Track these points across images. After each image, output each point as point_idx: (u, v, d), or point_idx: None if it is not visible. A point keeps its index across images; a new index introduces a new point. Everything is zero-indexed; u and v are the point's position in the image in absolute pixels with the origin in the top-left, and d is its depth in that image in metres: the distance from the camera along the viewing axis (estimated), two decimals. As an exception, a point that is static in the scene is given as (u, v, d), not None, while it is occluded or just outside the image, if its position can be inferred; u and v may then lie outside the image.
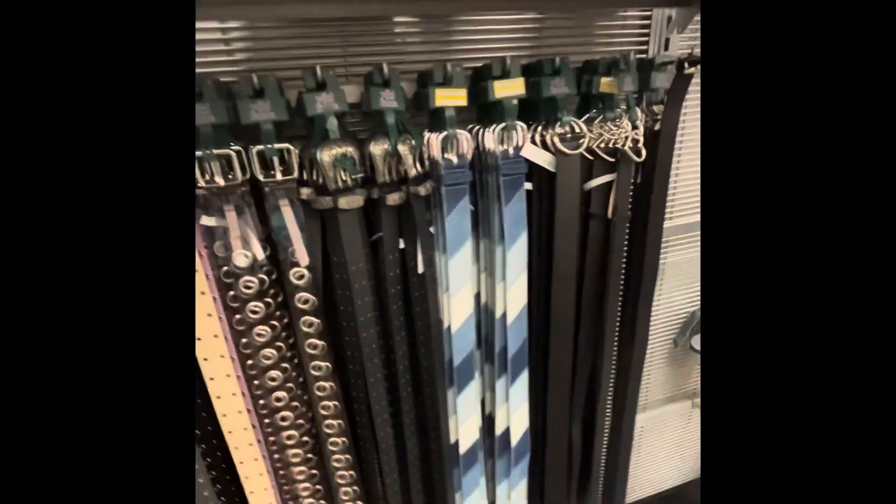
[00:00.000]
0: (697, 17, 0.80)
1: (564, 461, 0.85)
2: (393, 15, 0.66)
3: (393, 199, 0.60)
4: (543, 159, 0.63)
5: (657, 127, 0.72)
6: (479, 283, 0.77)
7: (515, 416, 0.80)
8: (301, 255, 0.59)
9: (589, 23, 0.76)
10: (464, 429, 0.78)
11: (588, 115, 0.69)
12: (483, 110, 0.66)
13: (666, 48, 0.80)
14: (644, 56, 0.79)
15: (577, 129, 0.63)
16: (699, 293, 1.06)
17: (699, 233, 1.00)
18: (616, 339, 0.93)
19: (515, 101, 0.62)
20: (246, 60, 0.62)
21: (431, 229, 0.64)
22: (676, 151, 0.91)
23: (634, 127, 0.65)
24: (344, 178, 0.56)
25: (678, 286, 1.04)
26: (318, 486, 0.76)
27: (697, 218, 0.97)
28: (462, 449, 0.80)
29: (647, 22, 0.78)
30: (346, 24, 0.65)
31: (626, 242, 0.86)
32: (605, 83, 0.67)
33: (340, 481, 0.75)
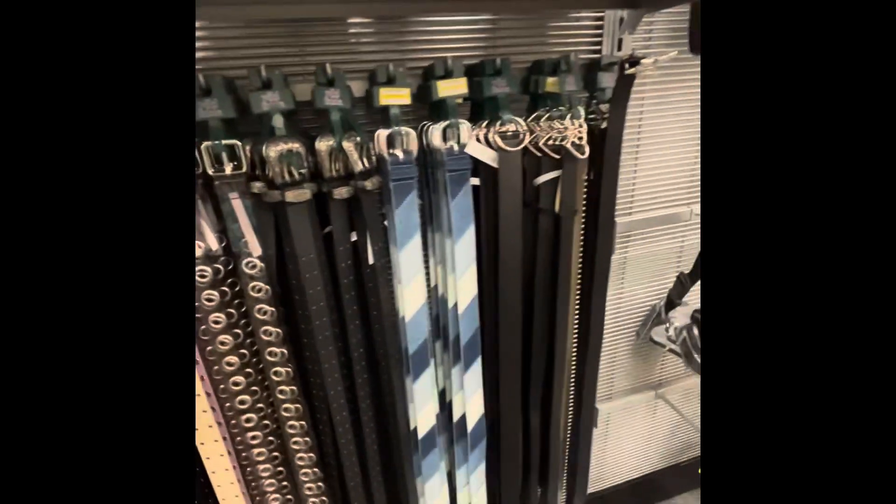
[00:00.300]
0: (647, 18, 0.83)
1: (519, 446, 0.89)
2: (349, 16, 0.69)
3: (340, 192, 0.63)
4: (487, 156, 0.66)
5: (604, 125, 0.75)
6: (436, 274, 0.81)
7: (471, 403, 0.83)
8: (253, 245, 0.62)
9: (543, 24, 0.79)
10: (421, 415, 0.81)
11: (536, 113, 0.72)
12: (432, 109, 0.69)
13: (619, 48, 0.83)
14: (597, 56, 0.82)
15: (518, 128, 0.66)
16: (661, 287, 1.09)
17: (659, 227, 1.03)
18: (576, 330, 0.96)
19: (460, 100, 0.65)
20: (203, 59, 0.65)
21: (387, 223, 0.68)
22: (636, 149, 0.94)
23: (577, 125, 0.68)
24: (291, 173, 0.59)
25: (640, 280, 1.07)
26: (283, 483, 0.80)
27: (657, 213, 0.99)
28: (420, 434, 0.83)
29: (600, 23, 0.81)
30: (304, 24, 0.68)
31: (582, 237, 0.89)
32: (550, 83, 0.69)
33: (300, 463, 0.78)
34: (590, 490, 1.32)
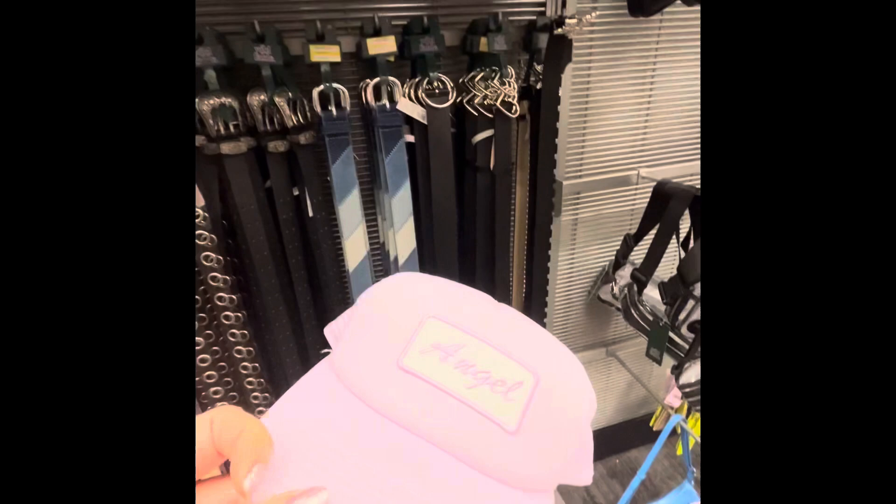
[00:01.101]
0: (589, -20, 0.84)
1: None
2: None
3: (276, 146, 0.66)
4: (417, 113, 0.69)
5: (539, 86, 0.77)
6: (381, 229, 0.85)
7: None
8: (196, 196, 0.67)
9: (486, -16, 0.80)
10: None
11: (471, 74, 0.74)
12: (368, 67, 0.72)
13: (563, 7, 0.84)
14: (540, 17, 0.84)
15: (445, 86, 0.69)
16: (613, 249, 1.14)
17: (608, 190, 1.06)
18: (524, 285, 1.01)
19: (392, 59, 0.67)
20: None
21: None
22: (584, 112, 0.96)
23: (507, 85, 0.71)
24: (227, 125, 0.63)
25: (592, 241, 1.11)
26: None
27: (606, 176, 1.03)
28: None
29: (543, -17, 0.82)
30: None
31: (529, 196, 0.93)
32: (483, 43, 0.72)
33: (255, 402, 0.85)
34: (548, 441, 1.40)
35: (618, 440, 1.50)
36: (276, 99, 0.63)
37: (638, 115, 1.00)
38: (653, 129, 1.03)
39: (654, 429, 1.29)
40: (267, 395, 0.86)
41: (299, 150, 0.68)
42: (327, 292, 0.81)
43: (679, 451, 1.44)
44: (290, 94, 0.64)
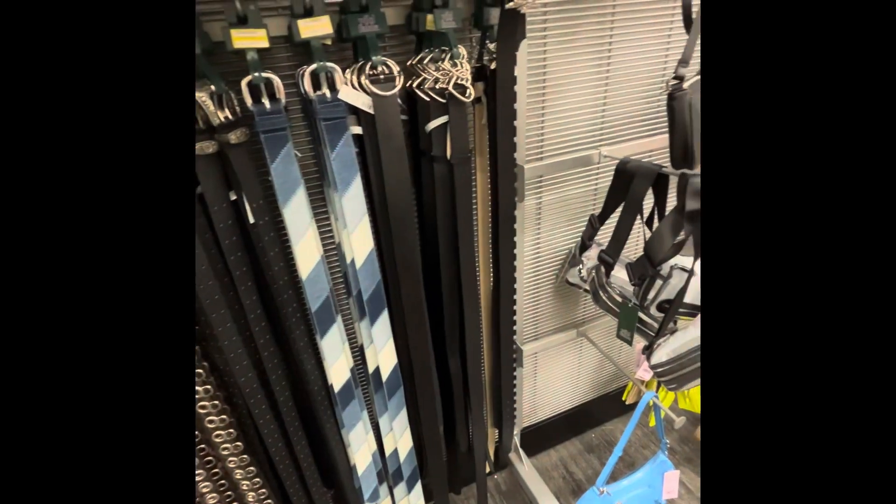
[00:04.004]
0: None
1: (434, 391, 0.92)
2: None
3: (202, 148, 0.59)
4: (362, 101, 0.62)
5: (493, 66, 0.72)
6: (336, 230, 0.79)
7: (382, 354, 0.84)
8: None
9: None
10: (333, 370, 0.82)
11: (420, 55, 0.68)
12: (305, 51, 0.64)
13: (514, -19, 0.78)
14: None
15: (391, 70, 0.63)
16: (578, 231, 1.12)
17: (570, 172, 1.03)
18: (492, 273, 0.98)
19: (329, 42, 0.60)
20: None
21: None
22: (542, 93, 0.92)
23: (459, 66, 0.65)
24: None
25: (557, 224, 1.09)
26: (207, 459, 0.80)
27: (567, 157, 0.99)
28: (336, 388, 0.84)
29: (492, -47, 0.76)
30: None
31: (490, 182, 0.89)
32: (430, 21, 0.66)
33: (217, 440, 0.78)
34: (526, 423, 1.40)
35: (593, 415, 1.53)
36: (197, 94, 0.55)
37: (597, 91, 0.97)
38: (612, 106, 1.00)
39: (627, 402, 1.31)
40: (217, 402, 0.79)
41: (230, 151, 0.60)
42: (280, 301, 0.74)
43: (652, 423, 1.48)
44: (212, 86, 0.56)
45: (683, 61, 0.67)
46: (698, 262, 0.80)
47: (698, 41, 0.70)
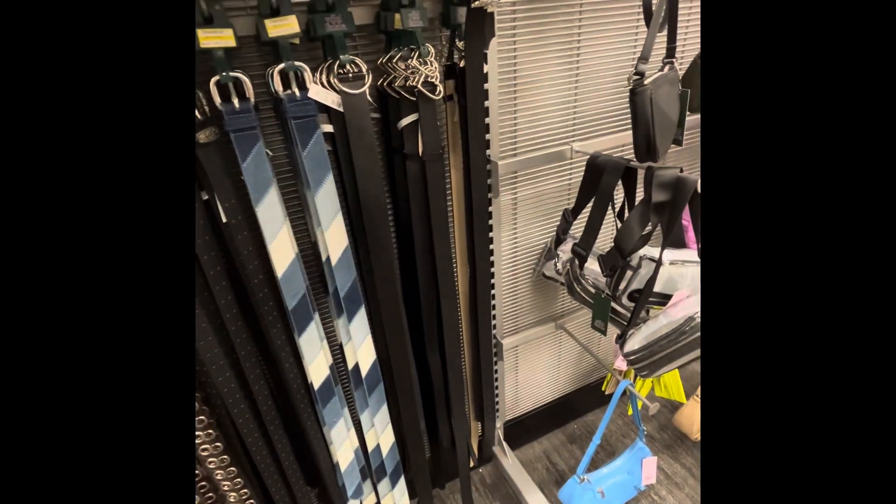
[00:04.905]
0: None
1: (413, 386, 0.93)
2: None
3: (171, 148, 0.59)
4: (331, 100, 0.63)
5: (462, 64, 0.73)
6: (311, 228, 0.79)
7: (361, 351, 0.85)
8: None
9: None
10: (313, 368, 0.83)
11: (389, 53, 0.69)
12: (273, 51, 0.65)
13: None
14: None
15: (360, 69, 0.64)
16: (554, 225, 1.14)
17: (544, 167, 1.06)
18: (469, 268, 0.99)
19: (297, 41, 0.61)
20: None
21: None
22: (513, 90, 0.94)
23: (427, 65, 0.66)
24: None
25: (533, 219, 1.11)
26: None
27: (541, 153, 1.02)
28: (316, 386, 0.85)
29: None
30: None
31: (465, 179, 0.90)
32: (398, 20, 0.67)
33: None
34: (508, 416, 1.42)
35: (574, 407, 1.56)
36: (164, 93, 0.55)
37: (568, 88, 0.99)
38: (583, 102, 1.03)
39: (606, 393, 1.34)
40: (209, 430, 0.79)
41: (200, 150, 0.60)
42: (256, 300, 0.75)
43: (630, 412, 1.52)
44: (180, 86, 0.56)
45: (643, 58, 0.70)
46: (666, 252, 0.83)
47: (657, 37, 0.72)
